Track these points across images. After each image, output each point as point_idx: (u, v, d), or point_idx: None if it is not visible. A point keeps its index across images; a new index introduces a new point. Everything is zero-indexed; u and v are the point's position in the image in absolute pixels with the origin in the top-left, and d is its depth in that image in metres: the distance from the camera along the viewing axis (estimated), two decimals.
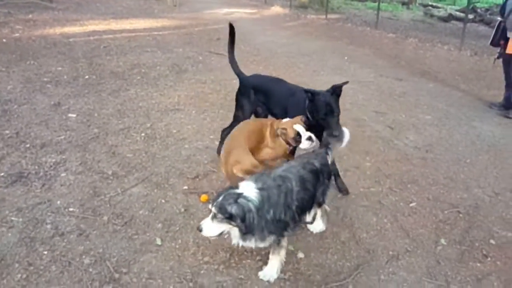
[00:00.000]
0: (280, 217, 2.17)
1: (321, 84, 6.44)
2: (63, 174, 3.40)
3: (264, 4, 19.62)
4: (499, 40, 5.25)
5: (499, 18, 5.38)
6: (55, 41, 8.26)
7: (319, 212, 2.78)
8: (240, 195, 2.05)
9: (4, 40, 8.01)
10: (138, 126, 4.45)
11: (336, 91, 2.93)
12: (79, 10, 13.32)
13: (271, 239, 2.21)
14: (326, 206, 2.82)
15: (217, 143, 3.91)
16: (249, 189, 2.10)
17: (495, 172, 3.86)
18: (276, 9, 17.19)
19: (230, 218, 2.01)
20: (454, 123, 5.01)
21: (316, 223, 2.81)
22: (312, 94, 2.92)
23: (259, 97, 3.44)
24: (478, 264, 2.67)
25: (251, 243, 2.16)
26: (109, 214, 2.91)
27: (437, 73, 7.44)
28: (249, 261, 2.52)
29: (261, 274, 2.37)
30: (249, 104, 3.49)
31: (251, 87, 3.48)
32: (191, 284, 2.30)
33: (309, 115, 3.01)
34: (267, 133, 3.10)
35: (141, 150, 3.90)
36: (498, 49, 5.40)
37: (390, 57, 8.57)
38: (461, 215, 3.17)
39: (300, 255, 2.61)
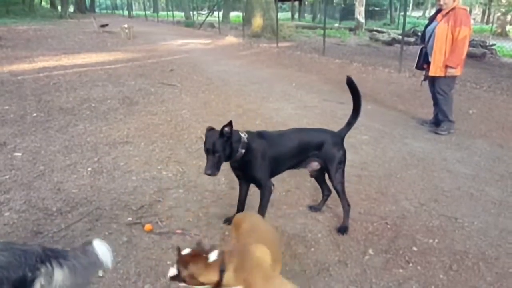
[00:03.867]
0: None
1: (270, 110, 6.81)
2: (6, 214, 3.42)
3: (218, 34, 20.22)
4: (422, 64, 5.78)
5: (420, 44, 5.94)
6: (3, 80, 8.18)
7: None
8: None
9: None
10: (85, 161, 4.51)
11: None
12: (29, 46, 13.23)
13: None
14: None
15: (164, 173, 4.04)
16: None
17: (422, 185, 4.22)
18: (230, 39, 17.74)
19: None
20: (388, 141, 5.42)
21: None
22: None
23: None
24: (401, 270, 2.93)
25: None
26: None
27: (376, 94, 7.98)
28: None
29: None
30: None
31: None
32: None
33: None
34: None
35: (87, 185, 3.97)
36: (423, 72, 5.93)
37: (335, 82, 9.09)
38: (388, 226, 3.46)
39: None
